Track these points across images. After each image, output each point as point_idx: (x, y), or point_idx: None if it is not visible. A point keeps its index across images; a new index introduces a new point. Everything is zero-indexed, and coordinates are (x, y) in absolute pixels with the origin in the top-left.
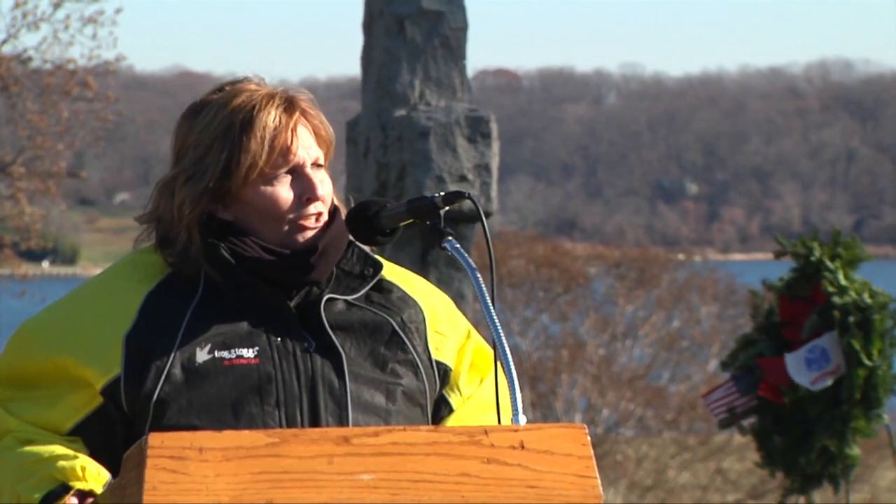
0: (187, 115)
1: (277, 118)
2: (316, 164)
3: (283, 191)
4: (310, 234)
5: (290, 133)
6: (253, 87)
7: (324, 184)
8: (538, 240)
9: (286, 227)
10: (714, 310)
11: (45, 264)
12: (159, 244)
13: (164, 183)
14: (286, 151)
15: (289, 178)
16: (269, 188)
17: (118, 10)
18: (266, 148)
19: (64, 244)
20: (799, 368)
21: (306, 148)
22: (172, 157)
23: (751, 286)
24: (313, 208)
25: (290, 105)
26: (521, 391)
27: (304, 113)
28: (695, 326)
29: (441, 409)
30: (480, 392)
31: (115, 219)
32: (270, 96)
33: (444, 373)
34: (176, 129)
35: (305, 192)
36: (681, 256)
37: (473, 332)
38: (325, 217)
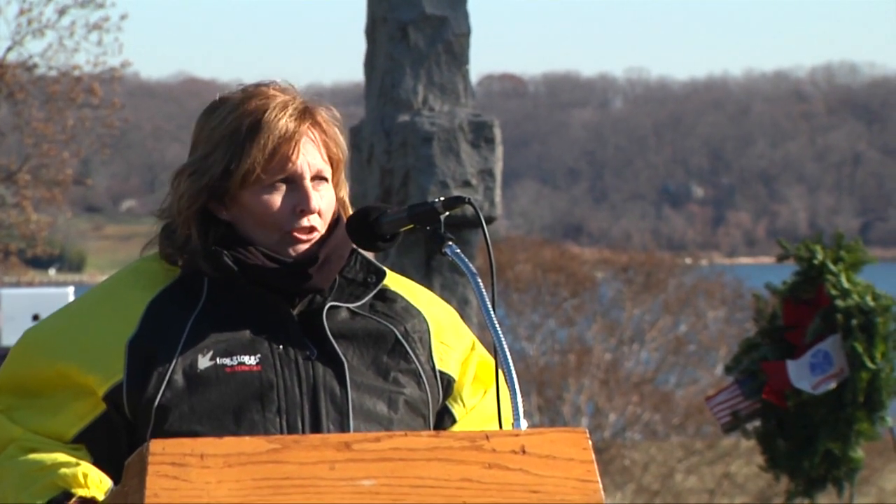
0: (206, 111)
1: (285, 127)
2: (318, 178)
3: (278, 200)
4: (301, 247)
5: (293, 143)
6: (272, 92)
7: (323, 198)
8: (545, 244)
9: (278, 237)
10: (721, 314)
11: (52, 272)
12: (162, 232)
13: (175, 173)
14: (285, 161)
15: (285, 187)
16: (264, 195)
17: (123, 17)
18: (266, 155)
19: (70, 251)
20: (801, 374)
21: (309, 160)
22: (190, 149)
23: (757, 290)
24: (306, 221)
25: (301, 115)
26: (529, 396)
27: (315, 125)
28: (702, 330)
29: (444, 421)
30: (484, 403)
31: (122, 226)
32: (284, 105)
33: (447, 384)
34: (196, 122)
35: (300, 203)
36: (687, 260)
37: (478, 344)
38: (321, 231)
